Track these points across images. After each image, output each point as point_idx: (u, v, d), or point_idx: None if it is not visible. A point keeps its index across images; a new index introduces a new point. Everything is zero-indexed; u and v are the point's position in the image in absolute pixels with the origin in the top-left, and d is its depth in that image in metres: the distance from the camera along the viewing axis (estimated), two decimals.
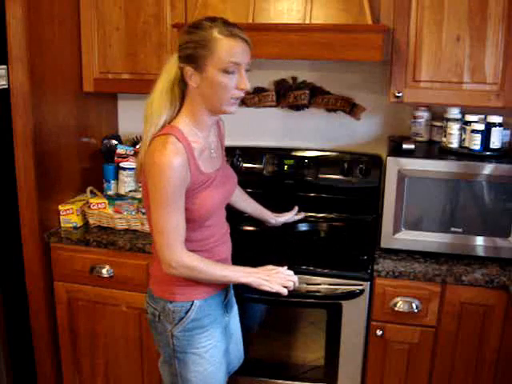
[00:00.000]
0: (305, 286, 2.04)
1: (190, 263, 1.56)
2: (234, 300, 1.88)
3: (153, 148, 1.51)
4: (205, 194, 1.59)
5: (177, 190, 1.51)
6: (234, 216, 2.56)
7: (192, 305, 1.64)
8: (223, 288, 1.75)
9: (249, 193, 2.57)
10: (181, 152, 1.50)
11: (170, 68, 1.59)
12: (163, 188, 1.49)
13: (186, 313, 1.63)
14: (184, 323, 1.63)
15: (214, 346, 1.69)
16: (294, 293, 1.76)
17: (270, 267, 1.68)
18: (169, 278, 1.61)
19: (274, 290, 1.61)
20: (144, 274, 2.10)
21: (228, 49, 1.51)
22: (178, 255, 1.54)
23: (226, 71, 1.51)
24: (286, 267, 1.70)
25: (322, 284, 2.03)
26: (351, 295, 2.00)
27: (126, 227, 2.29)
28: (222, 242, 1.74)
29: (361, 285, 1.98)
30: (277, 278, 1.64)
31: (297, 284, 1.66)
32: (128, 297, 2.19)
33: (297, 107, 2.58)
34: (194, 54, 1.51)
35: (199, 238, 1.65)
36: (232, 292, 1.85)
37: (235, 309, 1.89)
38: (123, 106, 2.79)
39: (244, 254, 2.11)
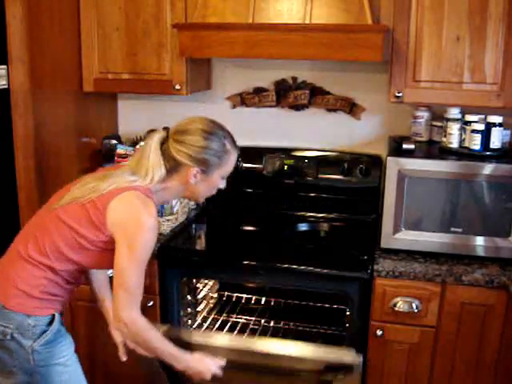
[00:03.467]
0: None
1: (143, 326, 1.60)
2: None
3: (135, 205, 1.54)
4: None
5: (150, 252, 1.58)
6: (235, 216, 2.57)
7: (54, 316, 1.63)
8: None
9: (249, 193, 2.58)
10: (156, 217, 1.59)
11: (168, 151, 1.61)
12: (143, 248, 1.55)
13: (49, 325, 1.61)
14: (47, 336, 1.60)
15: (73, 352, 1.70)
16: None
17: (205, 366, 1.72)
18: (33, 291, 1.58)
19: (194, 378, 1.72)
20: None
21: (233, 161, 1.70)
22: (135, 315, 1.58)
23: (223, 177, 1.70)
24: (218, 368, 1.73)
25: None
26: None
27: None
28: (72, 290, 1.73)
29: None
30: (201, 372, 1.71)
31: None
32: None
33: (297, 107, 2.58)
34: (208, 161, 1.61)
35: (69, 276, 1.64)
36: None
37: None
38: (123, 106, 2.79)
39: (244, 254, 2.11)
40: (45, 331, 1.60)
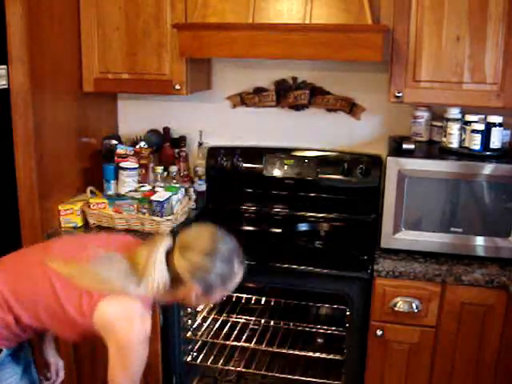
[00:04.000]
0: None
1: None
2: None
3: (131, 319, 1.46)
4: None
5: (144, 363, 1.52)
6: (235, 216, 2.57)
7: (0, 350, 1.55)
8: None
9: (249, 193, 2.58)
10: None
11: (172, 263, 1.51)
12: (137, 363, 1.50)
13: None
14: None
15: (19, 381, 1.63)
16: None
17: None
18: None
19: None
20: None
21: (239, 280, 1.58)
22: None
23: (226, 293, 1.60)
24: None
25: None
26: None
27: (126, 227, 2.29)
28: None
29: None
30: None
31: None
32: None
33: (297, 107, 2.58)
34: (212, 284, 1.51)
35: (26, 327, 1.56)
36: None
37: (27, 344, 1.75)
38: (123, 106, 2.79)
39: (244, 254, 2.11)
40: None
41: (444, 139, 2.15)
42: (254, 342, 2.40)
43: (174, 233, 1.58)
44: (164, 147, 2.66)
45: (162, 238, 1.54)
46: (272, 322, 2.53)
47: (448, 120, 2.15)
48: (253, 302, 2.66)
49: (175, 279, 1.50)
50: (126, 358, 1.49)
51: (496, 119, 2.00)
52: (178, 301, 1.62)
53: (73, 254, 1.56)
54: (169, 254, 1.51)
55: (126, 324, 1.45)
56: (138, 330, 1.46)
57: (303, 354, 2.35)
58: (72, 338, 1.61)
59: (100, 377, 2.34)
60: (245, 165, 2.57)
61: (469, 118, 2.07)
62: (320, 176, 2.50)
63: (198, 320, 2.52)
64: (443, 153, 2.10)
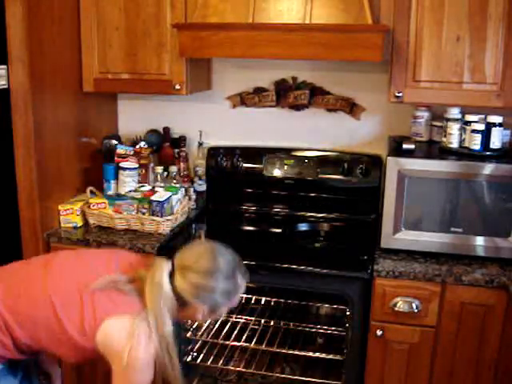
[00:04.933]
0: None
1: None
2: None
3: (138, 333, 1.43)
4: None
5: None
6: (235, 216, 2.57)
7: None
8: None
9: (249, 193, 2.58)
10: None
11: (175, 288, 1.49)
12: (144, 378, 1.47)
13: None
14: None
15: None
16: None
17: None
18: None
19: None
20: None
21: (243, 290, 1.58)
22: None
23: (232, 306, 1.59)
24: None
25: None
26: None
27: (126, 227, 2.29)
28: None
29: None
30: None
31: None
32: None
33: (297, 107, 2.58)
34: (217, 301, 1.51)
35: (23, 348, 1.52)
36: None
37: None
38: (123, 106, 2.79)
39: (244, 254, 2.11)
40: None
41: (444, 139, 2.15)
42: (253, 342, 2.40)
43: (172, 252, 1.57)
44: (164, 147, 2.66)
45: (161, 263, 1.51)
46: (272, 322, 2.53)
47: (448, 120, 2.15)
48: (253, 302, 2.66)
49: (179, 300, 1.49)
50: (131, 378, 1.46)
51: (496, 119, 2.00)
52: (185, 319, 1.60)
53: (74, 273, 1.53)
54: (170, 277, 1.49)
55: (133, 343, 1.42)
56: (144, 349, 1.43)
57: (303, 353, 2.35)
58: (73, 360, 1.57)
59: (100, 375, 2.35)
60: (245, 165, 2.57)
61: (469, 117, 2.07)
62: (320, 176, 2.50)
63: None
64: (443, 153, 2.10)
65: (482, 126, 2.01)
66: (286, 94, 2.57)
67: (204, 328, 2.51)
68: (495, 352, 1.96)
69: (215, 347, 2.49)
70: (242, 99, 2.64)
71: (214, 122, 2.69)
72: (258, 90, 2.60)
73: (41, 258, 1.69)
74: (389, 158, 2.03)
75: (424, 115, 2.32)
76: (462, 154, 2.04)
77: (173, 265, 1.51)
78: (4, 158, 2.16)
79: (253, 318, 2.55)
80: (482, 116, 2.06)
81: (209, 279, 1.48)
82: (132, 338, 1.41)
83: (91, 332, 1.44)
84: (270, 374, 2.39)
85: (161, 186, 2.40)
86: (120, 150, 2.48)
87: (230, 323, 2.56)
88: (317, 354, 2.33)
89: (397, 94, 2.11)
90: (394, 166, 2.01)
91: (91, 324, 1.44)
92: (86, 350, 1.49)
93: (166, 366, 1.50)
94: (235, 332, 2.49)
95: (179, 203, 2.37)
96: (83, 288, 1.46)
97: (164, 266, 1.50)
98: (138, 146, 2.49)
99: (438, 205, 2.02)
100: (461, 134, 2.08)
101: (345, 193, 2.49)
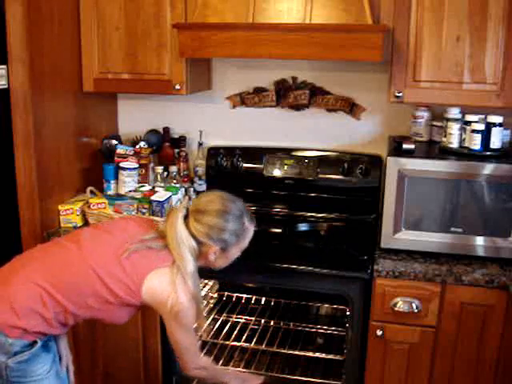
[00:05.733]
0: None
1: (206, 366, 1.84)
2: None
3: (174, 285, 1.60)
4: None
5: (194, 318, 1.69)
6: None
7: (35, 342, 1.60)
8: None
9: (249, 193, 2.58)
10: None
11: (186, 236, 1.66)
12: (188, 321, 1.66)
13: (27, 347, 1.59)
14: (23, 357, 1.58)
15: (48, 370, 1.66)
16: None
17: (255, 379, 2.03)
18: (24, 318, 1.56)
19: None
20: None
21: (251, 235, 1.76)
22: (200, 362, 1.81)
23: (242, 249, 1.76)
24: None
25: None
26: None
27: None
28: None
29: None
30: None
31: None
32: None
33: (297, 107, 2.58)
34: (227, 240, 1.68)
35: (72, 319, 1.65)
36: None
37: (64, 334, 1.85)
38: (123, 105, 2.79)
39: (244, 254, 2.11)
40: (21, 351, 1.58)
41: (444, 139, 2.15)
42: (253, 342, 2.40)
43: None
44: (164, 147, 2.66)
45: (177, 210, 1.69)
46: (272, 322, 2.53)
47: (448, 120, 2.15)
48: (253, 302, 2.66)
49: (195, 242, 1.66)
50: (183, 320, 1.64)
51: (496, 119, 2.00)
52: (201, 263, 1.73)
53: (105, 244, 1.67)
54: (186, 222, 1.66)
55: (174, 289, 1.60)
56: (183, 291, 1.61)
57: (303, 353, 2.35)
58: (126, 319, 1.72)
59: (100, 375, 2.35)
60: (245, 165, 2.57)
61: (469, 117, 2.07)
62: (320, 176, 2.50)
63: None
64: (443, 153, 2.10)
65: (482, 126, 2.01)
66: (286, 94, 2.57)
67: (204, 328, 2.51)
68: (495, 352, 1.96)
69: (215, 347, 2.49)
70: (242, 99, 2.64)
71: (214, 122, 2.69)
72: (258, 90, 2.60)
73: (65, 238, 1.77)
74: (389, 157, 2.03)
75: (424, 115, 2.32)
76: (462, 154, 2.04)
77: (187, 211, 1.69)
78: (4, 158, 2.16)
79: (253, 318, 2.55)
80: (482, 116, 2.06)
81: (219, 219, 1.65)
82: (173, 285, 1.60)
83: (136, 289, 1.60)
84: (270, 373, 2.39)
85: (161, 186, 2.40)
86: (120, 150, 2.48)
87: (229, 323, 2.56)
88: (317, 354, 2.34)
89: (397, 94, 2.11)
90: (393, 165, 2.01)
91: (135, 282, 1.60)
92: (135, 306, 1.67)
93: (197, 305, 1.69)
94: (235, 332, 2.49)
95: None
96: (119, 254, 1.61)
97: (179, 213, 1.67)
98: (138, 146, 2.49)
99: (438, 205, 2.02)
100: (461, 134, 2.08)
101: (345, 193, 2.49)
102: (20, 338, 1.57)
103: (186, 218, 1.67)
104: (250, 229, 1.75)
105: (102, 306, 1.63)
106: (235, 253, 1.74)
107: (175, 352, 1.76)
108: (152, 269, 1.61)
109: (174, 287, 1.60)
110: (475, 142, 2.01)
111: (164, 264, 1.62)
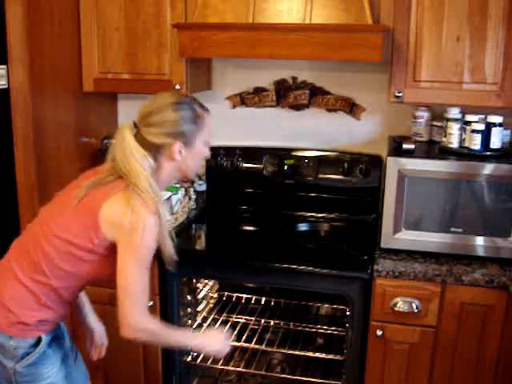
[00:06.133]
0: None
1: (151, 327, 1.57)
2: (62, 325, 1.77)
3: (132, 205, 1.47)
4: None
5: (152, 252, 1.53)
6: (235, 216, 2.57)
7: (39, 339, 1.56)
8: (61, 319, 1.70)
9: (249, 193, 2.58)
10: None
11: (134, 147, 1.53)
12: (145, 248, 1.50)
13: (34, 347, 1.55)
14: (30, 359, 1.54)
15: (56, 374, 1.61)
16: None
17: (214, 332, 1.84)
18: (21, 314, 1.53)
19: (211, 355, 1.77)
20: None
21: (209, 124, 1.66)
22: (145, 319, 1.55)
23: (206, 144, 1.66)
24: (225, 333, 1.77)
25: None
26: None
27: None
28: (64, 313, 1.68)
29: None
30: (216, 345, 1.71)
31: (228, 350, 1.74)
32: None
33: (297, 107, 2.58)
34: (186, 131, 1.57)
35: (65, 294, 1.60)
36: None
37: (66, 332, 1.78)
38: (123, 105, 2.79)
39: (244, 254, 2.11)
40: (28, 353, 1.54)
41: (444, 139, 2.15)
42: (253, 342, 2.40)
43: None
44: None
45: (122, 130, 1.56)
46: (272, 322, 2.53)
47: (448, 120, 2.15)
48: (253, 302, 2.66)
49: (155, 153, 1.55)
50: (140, 245, 1.47)
51: (496, 119, 2.00)
52: (173, 179, 1.66)
53: (60, 204, 1.61)
54: (136, 136, 1.54)
55: (128, 209, 1.46)
56: (141, 208, 1.46)
57: (303, 353, 2.35)
58: (106, 275, 1.60)
59: (100, 374, 2.35)
60: (245, 165, 2.57)
61: (469, 117, 2.07)
62: (320, 176, 2.50)
63: (198, 320, 2.52)
64: (443, 153, 2.10)
65: (482, 126, 2.01)
66: (286, 94, 2.57)
67: (204, 328, 2.51)
68: (495, 352, 1.96)
69: None
70: (242, 99, 2.64)
71: (213, 122, 2.68)
72: (258, 90, 2.60)
73: (31, 225, 1.70)
74: (389, 157, 2.03)
75: (424, 115, 2.32)
76: (462, 153, 2.04)
77: (135, 124, 1.57)
78: (4, 158, 2.16)
79: (253, 318, 2.55)
80: (482, 116, 2.06)
81: (168, 112, 1.55)
82: (128, 205, 1.46)
83: (96, 228, 1.49)
84: (270, 373, 2.39)
85: None
86: None
87: (229, 323, 2.56)
88: (317, 354, 2.34)
89: (397, 94, 2.11)
90: (393, 165, 2.01)
91: (93, 222, 1.49)
92: (99, 258, 1.53)
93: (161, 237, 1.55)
94: (235, 332, 2.49)
95: (179, 203, 2.37)
96: (72, 206, 1.52)
97: (124, 128, 1.56)
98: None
99: (438, 205, 2.02)
100: (461, 134, 2.08)
101: (345, 193, 2.49)
102: (23, 337, 1.53)
103: (137, 133, 1.55)
104: (206, 116, 1.64)
105: (79, 265, 1.54)
106: (201, 147, 1.63)
107: (118, 299, 1.51)
108: (105, 200, 1.49)
109: (128, 207, 1.46)
110: (475, 142, 2.01)
111: (116, 190, 1.50)
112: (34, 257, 1.54)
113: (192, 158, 1.62)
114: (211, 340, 1.71)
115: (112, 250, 1.52)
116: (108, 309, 2.25)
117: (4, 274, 1.58)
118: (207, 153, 1.69)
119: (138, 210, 1.47)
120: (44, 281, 1.54)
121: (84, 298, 1.87)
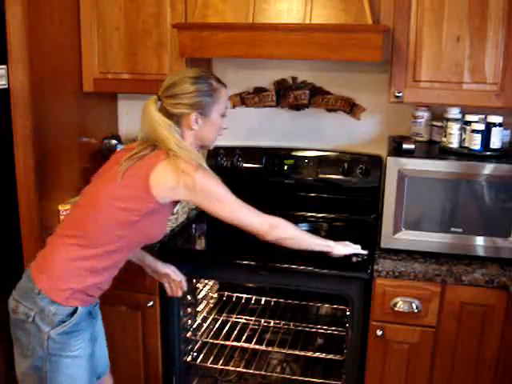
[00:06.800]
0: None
1: (277, 219, 1.84)
2: (98, 306, 1.88)
3: (182, 168, 1.63)
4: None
5: (222, 185, 1.73)
6: None
7: (76, 310, 1.67)
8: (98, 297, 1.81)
9: (249, 193, 2.57)
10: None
11: (159, 117, 1.70)
12: (215, 183, 1.70)
13: (70, 316, 1.65)
14: (65, 327, 1.64)
15: (84, 349, 1.70)
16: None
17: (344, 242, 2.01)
18: (66, 277, 1.65)
19: (347, 253, 1.98)
20: (144, 272, 2.09)
21: (225, 96, 1.80)
22: (269, 219, 1.83)
23: (223, 115, 1.80)
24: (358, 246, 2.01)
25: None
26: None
27: None
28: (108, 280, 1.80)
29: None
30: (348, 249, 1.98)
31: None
32: (128, 296, 2.19)
33: (297, 107, 2.58)
34: (202, 101, 1.72)
35: (115, 259, 1.74)
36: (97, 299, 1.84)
37: (99, 314, 1.90)
38: (123, 106, 2.79)
39: (244, 254, 2.11)
40: (64, 321, 1.64)
41: (444, 139, 2.15)
42: (253, 342, 2.40)
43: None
44: None
45: (148, 104, 1.72)
46: (272, 322, 2.53)
47: (448, 120, 2.15)
48: (253, 302, 2.66)
49: (177, 121, 1.71)
50: (213, 193, 1.70)
51: (496, 119, 2.00)
52: (197, 145, 1.80)
53: (106, 179, 1.74)
54: (160, 108, 1.72)
55: (179, 175, 1.62)
56: (190, 169, 1.63)
57: (303, 353, 2.35)
58: (163, 228, 1.82)
59: None
60: (245, 165, 2.57)
61: (469, 117, 2.07)
62: (320, 176, 2.50)
63: (198, 320, 2.52)
64: (443, 153, 2.10)
65: (482, 126, 2.01)
66: (285, 94, 2.57)
67: (204, 328, 2.51)
68: (495, 352, 1.96)
69: (215, 347, 2.49)
70: (242, 99, 2.64)
71: None
72: (258, 90, 2.60)
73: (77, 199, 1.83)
74: (389, 158, 2.03)
75: (424, 115, 2.32)
76: (462, 153, 2.04)
77: (158, 98, 1.73)
78: (4, 158, 2.16)
79: (253, 318, 2.55)
80: (482, 116, 2.06)
81: (186, 85, 1.70)
82: (177, 170, 1.63)
83: (148, 195, 1.64)
84: (270, 373, 2.39)
85: None
86: (120, 149, 2.47)
87: (229, 323, 2.56)
88: (317, 354, 2.34)
89: (397, 94, 2.11)
90: (393, 165, 2.02)
91: (144, 190, 1.63)
92: (162, 207, 1.70)
93: None
94: (235, 332, 2.49)
95: (179, 203, 2.36)
96: (119, 178, 1.65)
97: (148, 102, 1.72)
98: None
99: (438, 205, 2.02)
100: (461, 134, 2.08)
101: (345, 193, 2.49)
102: (64, 304, 1.63)
103: (160, 107, 1.71)
104: (222, 90, 1.78)
105: (133, 229, 1.67)
106: (217, 118, 1.77)
107: (246, 228, 1.79)
108: (152, 170, 1.63)
109: (178, 172, 1.62)
110: (475, 142, 2.01)
111: (159, 159, 1.64)
112: (84, 225, 1.68)
113: (209, 128, 1.76)
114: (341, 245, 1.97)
115: (159, 211, 1.68)
116: (108, 309, 2.26)
117: (55, 241, 1.72)
118: (222, 124, 1.82)
119: (187, 170, 1.62)
120: (97, 252, 1.66)
121: (139, 253, 1.98)
